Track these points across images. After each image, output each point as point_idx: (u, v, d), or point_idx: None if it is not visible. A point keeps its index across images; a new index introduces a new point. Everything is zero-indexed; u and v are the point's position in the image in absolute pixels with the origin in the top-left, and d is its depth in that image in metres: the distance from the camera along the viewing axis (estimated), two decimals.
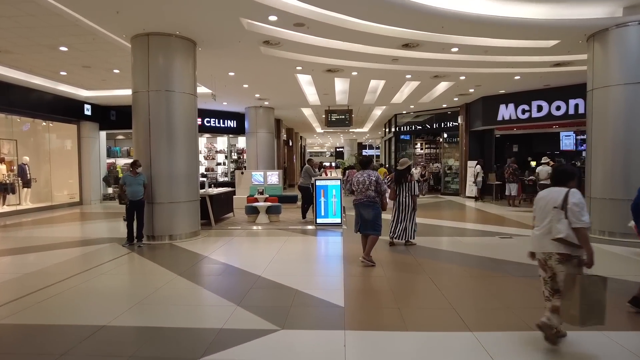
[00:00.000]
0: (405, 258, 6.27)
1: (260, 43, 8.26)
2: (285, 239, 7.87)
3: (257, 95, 14.06)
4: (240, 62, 9.65)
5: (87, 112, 14.48)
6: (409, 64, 9.84)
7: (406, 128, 19.46)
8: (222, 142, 18.94)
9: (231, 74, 10.80)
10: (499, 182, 14.74)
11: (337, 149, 44.90)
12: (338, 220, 9.01)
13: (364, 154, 38.42)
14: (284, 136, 22.08)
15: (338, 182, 9.07)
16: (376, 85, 12.97)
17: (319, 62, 9.64)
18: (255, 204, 9.74)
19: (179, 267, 5.74)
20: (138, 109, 7.67)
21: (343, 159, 34.61)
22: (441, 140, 18.67)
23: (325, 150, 54.29)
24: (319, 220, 9.03)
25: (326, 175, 11.94)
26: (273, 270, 5.54)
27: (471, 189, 15.41)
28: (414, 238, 7.07)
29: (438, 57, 9.32)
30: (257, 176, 13.12)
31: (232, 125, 18.10)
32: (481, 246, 7.09)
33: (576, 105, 12.09)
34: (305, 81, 12.38)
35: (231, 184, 15.29)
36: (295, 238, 7.97)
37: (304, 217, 9.91)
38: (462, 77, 11.34)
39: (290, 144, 25.15)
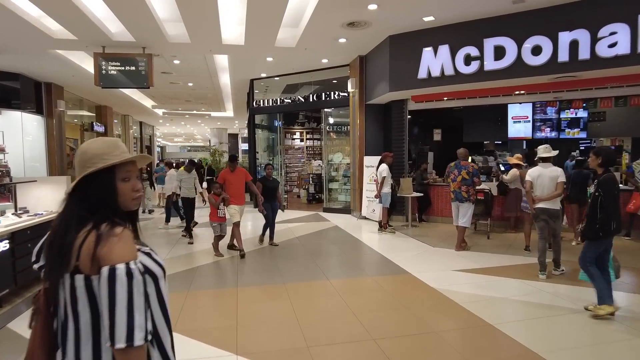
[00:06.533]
0: None
1: None
2: None
3: None
4: None
5: None
6: None
7: (270, 103, 12.08)
8: None
9: None
10: (420, 194, 8.37)
11: (212, 143, 35.99)
12: None
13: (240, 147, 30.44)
14: (62, 112, 12.87)
15: None
16: None
17: None
18: None
19: None
20: None
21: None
22: (324, 126, 11.72)
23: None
24: None
25: None
26: None
27: (372, 208, 8.78)
28: None
29: None
30: None
31: None
32: None
33: (573, 44, 5.99)
34: None
35: None
36: None
37: None
38: None
39: (103, 129, 16.12)
